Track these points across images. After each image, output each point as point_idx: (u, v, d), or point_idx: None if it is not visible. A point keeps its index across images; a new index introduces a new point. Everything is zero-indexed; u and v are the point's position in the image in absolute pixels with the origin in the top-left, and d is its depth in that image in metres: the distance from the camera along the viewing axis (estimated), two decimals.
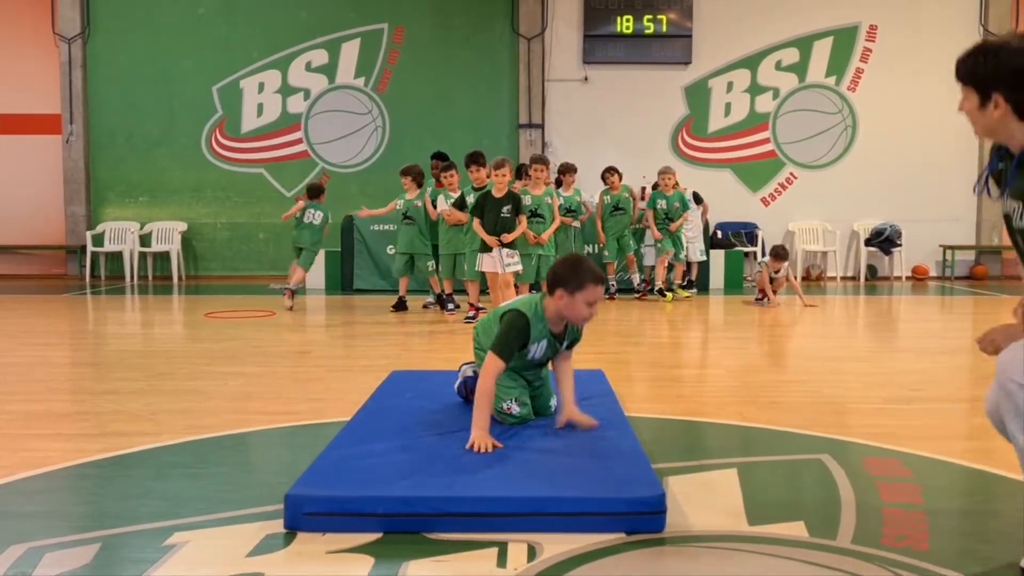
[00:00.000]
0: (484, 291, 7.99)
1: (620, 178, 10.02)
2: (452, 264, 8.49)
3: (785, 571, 2.41)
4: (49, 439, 3.85)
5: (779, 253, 9.57)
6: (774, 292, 9.44)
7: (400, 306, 8.85)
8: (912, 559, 2.47)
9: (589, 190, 10.55)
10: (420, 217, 8.73)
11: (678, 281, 10.23)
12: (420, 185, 8.86)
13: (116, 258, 12.77)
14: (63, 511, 2.97)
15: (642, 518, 2.64)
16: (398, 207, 8.84)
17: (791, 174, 13.09)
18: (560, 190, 10.02)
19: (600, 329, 7.85)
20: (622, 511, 2.65)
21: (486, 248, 7.41)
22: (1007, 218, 2.67)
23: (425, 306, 9.09)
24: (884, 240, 12.59)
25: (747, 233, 12.47)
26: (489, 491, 2.74)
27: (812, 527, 2.72)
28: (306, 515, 2.64)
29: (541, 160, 8.61)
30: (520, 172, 9.27)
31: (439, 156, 9.84)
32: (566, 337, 3.55)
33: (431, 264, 8.82)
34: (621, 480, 2.85)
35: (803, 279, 12.81)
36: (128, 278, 12.44)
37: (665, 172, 10.03)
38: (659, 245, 9.92)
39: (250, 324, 7.96)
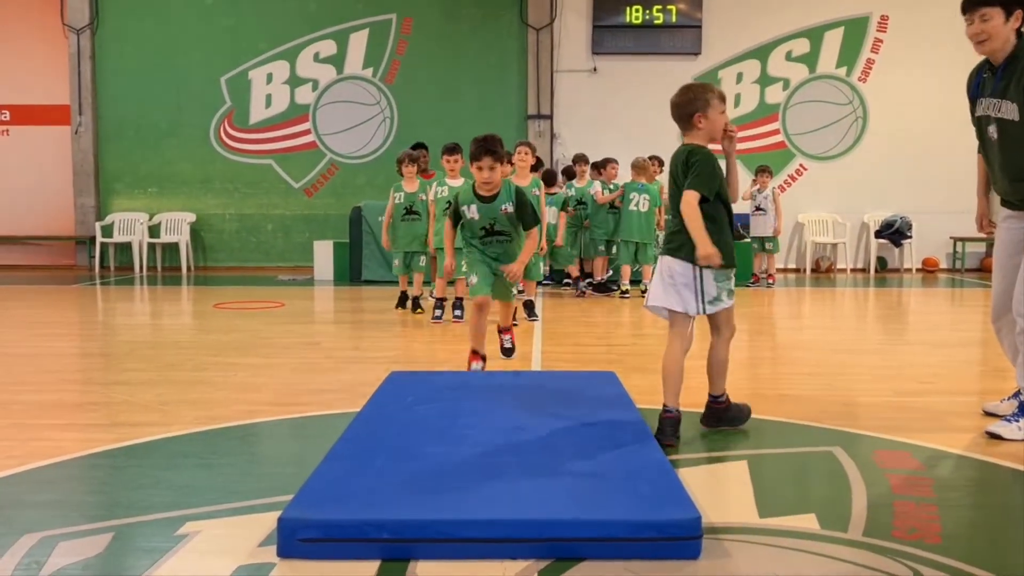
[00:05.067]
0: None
1: (661, 168, 9.92)
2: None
3: (796, 563, 2.41)
4: (60, 429, 3.87)
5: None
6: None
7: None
8: (923, 552, 2.46)
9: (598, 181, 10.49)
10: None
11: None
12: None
13: (125, 249, 12.81)
14: (75, 501, 2.98)
15: (676, 544, 2.39)
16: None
17: (801, 165, 13.04)
18: (574, 181, 10.04)
19: (608, 321, 7.84)
20: (652, 536, 2.39)
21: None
22: (980, 120, 3.83)
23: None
24: (894, 232, 12.53)
25: None
26: (503, 513, 2.48)
27: (823, 519, 2.71)
28: (301, 541, 2.39)
29: (454, 150, 7.32)
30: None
31: (422, 146, 9.72)
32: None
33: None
34: (649, 500, 2.57)
35: (813, 271, 12.80)
36: (137, 269, 12.48)
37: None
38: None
39: (259, 315, 7.98)
